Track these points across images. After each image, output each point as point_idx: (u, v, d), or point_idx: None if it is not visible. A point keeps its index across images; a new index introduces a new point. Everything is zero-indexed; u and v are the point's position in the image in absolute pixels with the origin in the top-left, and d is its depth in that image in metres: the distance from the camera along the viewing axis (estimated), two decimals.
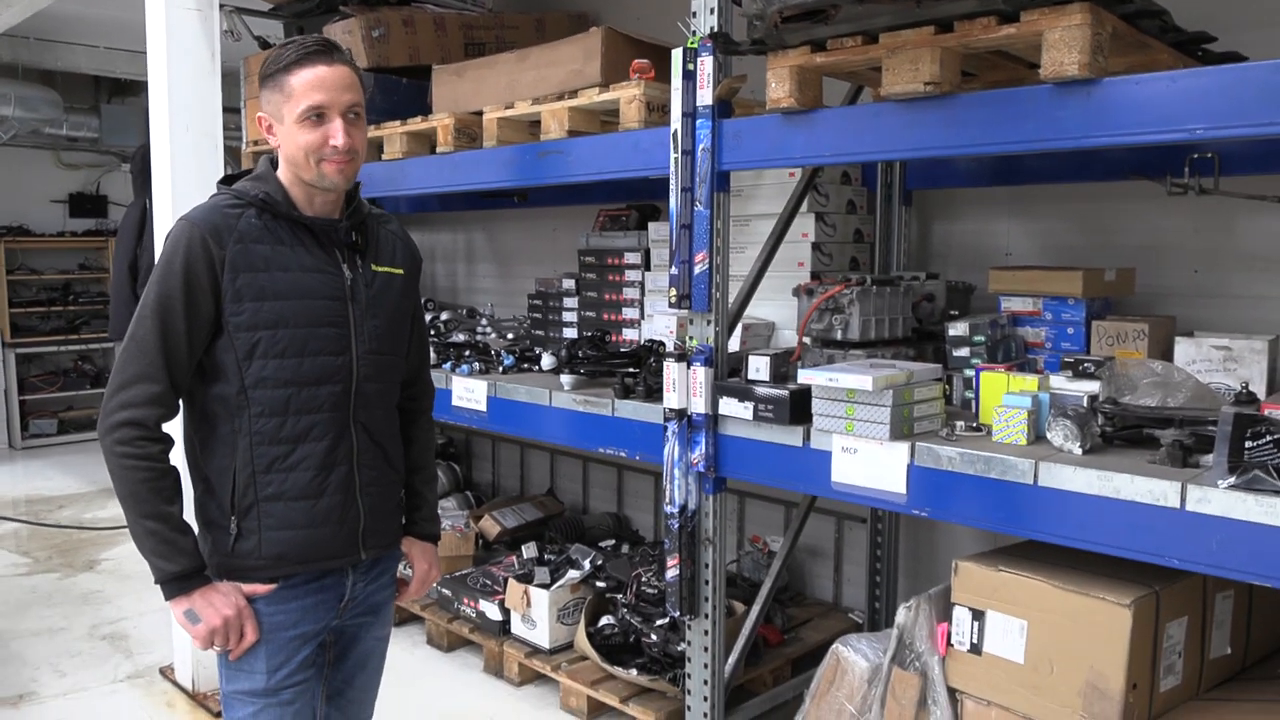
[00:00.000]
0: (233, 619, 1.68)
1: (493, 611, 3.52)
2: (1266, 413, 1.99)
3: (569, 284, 4.09)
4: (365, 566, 1.84)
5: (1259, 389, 2.35)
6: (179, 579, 1.65)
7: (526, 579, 3.43)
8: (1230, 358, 2.47)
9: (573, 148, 2.98)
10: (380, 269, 1.81)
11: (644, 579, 3.17)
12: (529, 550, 3.77)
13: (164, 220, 3.10)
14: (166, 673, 3.69)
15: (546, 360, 3.17)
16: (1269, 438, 1.83)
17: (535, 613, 3.33)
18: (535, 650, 3.35)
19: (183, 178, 3.06)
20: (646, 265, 3.74)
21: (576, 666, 3.23)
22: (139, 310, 1.66)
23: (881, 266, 3.40)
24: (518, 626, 3.41)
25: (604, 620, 3.23)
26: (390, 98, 3.71)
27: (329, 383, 1.71)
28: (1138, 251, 2.97)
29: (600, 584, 3.35)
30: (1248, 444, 1.86)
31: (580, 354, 3.16)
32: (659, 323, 3.46)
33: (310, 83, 1.66)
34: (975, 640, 2.24)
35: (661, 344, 3.23)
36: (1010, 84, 2.23)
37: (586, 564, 3.46)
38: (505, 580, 3.53)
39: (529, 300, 4.24)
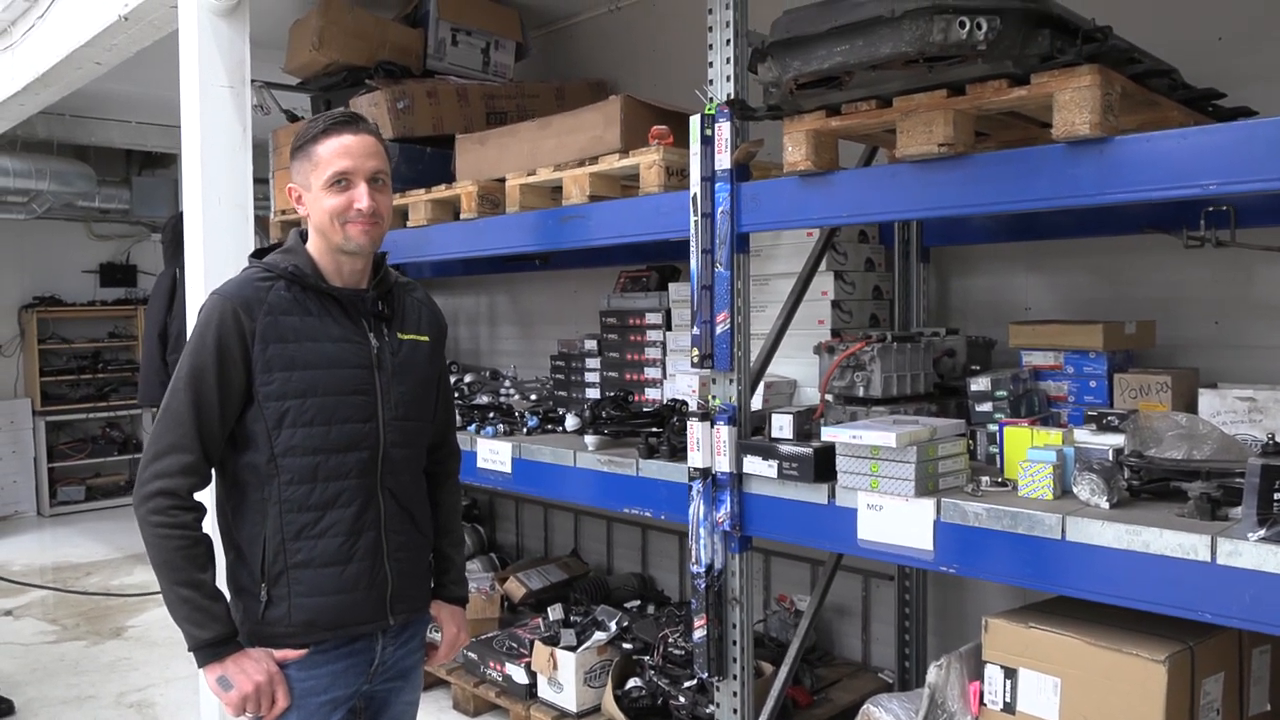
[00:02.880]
0: (265, 685, 1.69)
1: (519, 675, 3.50)
2: None
3: (591, 345, 4.14)
4: (394, 631, 1.86)
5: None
6: (212, 645, 1.67)
7: (552, 641, 3.42)
8: (1255, 408, 2.46)
9: (594, 212, 3.04)
10: (406, 336, 1.86)
11: (671, 640, 3.16)
12: (554, 612, 3.75)
13: (196, 290, 3.18)
14: None
15: (570, 421, 3.20)
16: None
17: (562, 675, 3.31)
18: (562, 714, 3.33)
19: (214, 249, 3.14)
20: (668, 325, 3.78)
21: None
22: (173, 382, 1.71)
23: (901, 323, 3.42)
24: (544, 690, 3.39)
25: (631, 682, 3.21)
26: (415, 167, 3.81)
27: (356, 449, 1.75)
28: (1157, 304, 2.98)
29: (627, 645, 3.33)
30: (1277, 495, 1.86)
31: (604, 414, 3.18)
32: (681, 382, 3.49)
33: (336, 150, 1.74)
34: (1008, 699, 2.21)
35: (684, 404, 3.25)
36: (1023, 143, 2.27)
37: (613, 625, 3.44)
38: (531, 643, 3.51)
39: (551, 361, 4.29)
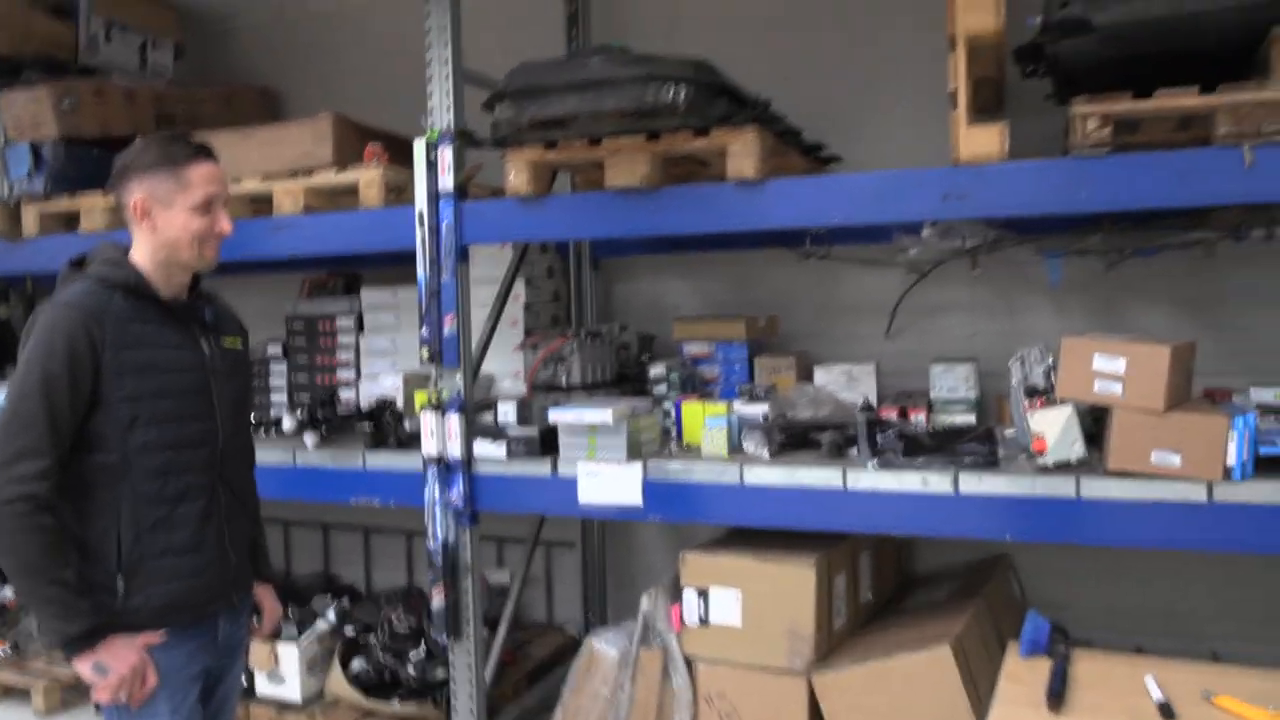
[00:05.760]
0: (138, 666, 1.79)
1: None
2: (884, 416, 2.84)
3: (274, 350, 4.19)
4: (233, 611, 2.02)
5: (873, 399, 3.22)
6: (84, 637, 1.75)
7: (271, 636, 3.50)
8: (851, 379, 3.32)
9: (309, 223, 3.21)
10: (227, 340, 2.03)
11: (394, 619, 3.42)
12: None
13: None
14: None
15: (288, 422, 3.32)
16: (889, 432, 2.61)
17: (284, 669, 3.41)
18: (285, 706, 3.44)
19: None
20: (359, 329, 3.99)
21: (333, 713, 3.38)
22: (19, 387, 1.74)
23: (576, 321, 3.97)
24: (264, 686, 3.47)
25: (357, 664, 3.41)
26: (83, 169, 3.64)
27: (200, 446, 1.90)
28: (775, 303, 3.79)
29: (349, 631, 3.52)
30: (878, 438, 2.64)
31: (319, 414, 3.36)
32: (385, 382, 3.73)
33: (206, 175, 1.90)
34: (703, 615, 2.82)
35: (393, 401, 3.51)
36: (685, 179, 2.88)
37: (330, 614, 3.61)
38: None
39: None
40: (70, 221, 3.65)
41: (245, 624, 2.13)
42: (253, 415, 2.27)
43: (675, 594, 2.90)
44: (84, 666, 1.77)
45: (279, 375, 4.18)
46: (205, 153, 1.94)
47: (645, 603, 2.91)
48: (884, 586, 3.28)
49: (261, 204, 3.35)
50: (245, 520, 2.05)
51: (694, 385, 3.48)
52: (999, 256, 3.22)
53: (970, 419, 3.00)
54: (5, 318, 4.72)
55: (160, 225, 1.90)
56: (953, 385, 3.07)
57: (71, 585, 1.75)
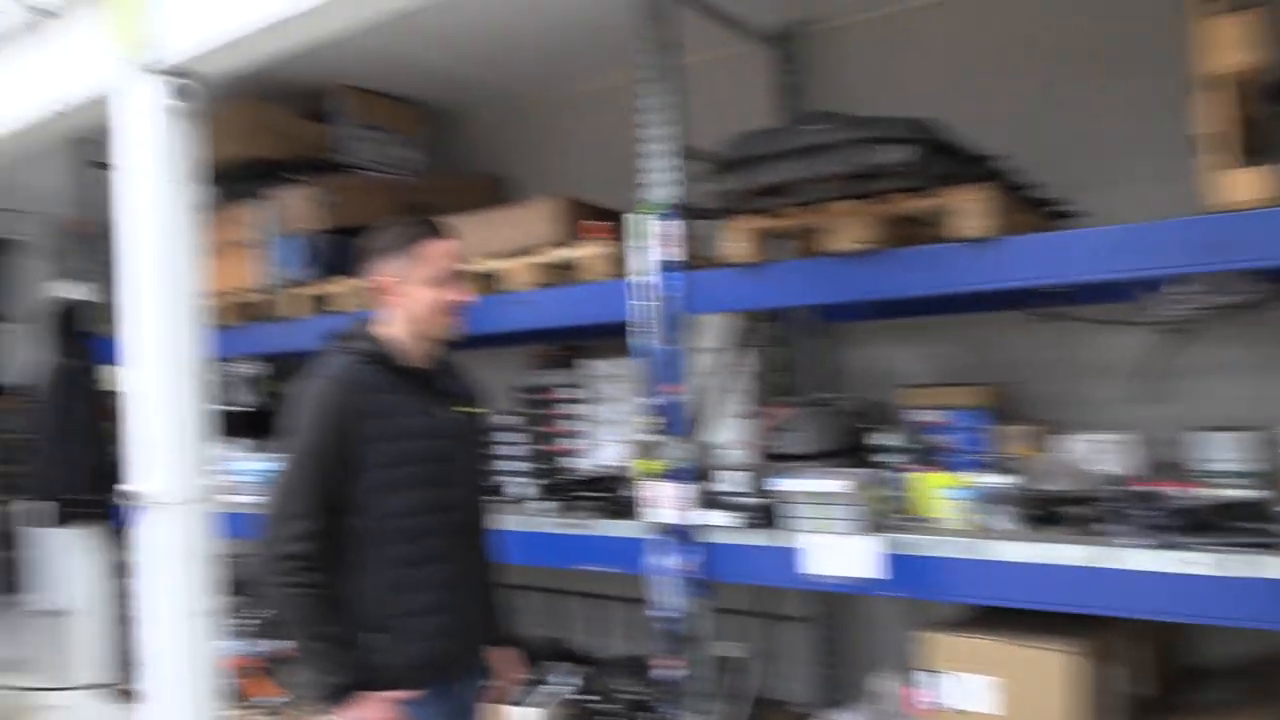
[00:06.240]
0: None
1: None
2: (1136, 489, 2.59)
3: (503, 419, 4.38)
4: (472, 672, 2.10)
5: (1128, 470, 2.95)
6: (346, 690, 1.87)
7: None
8: (1100, 448, 3.07)
9: (540, 298, 3.38)
10: (465, 409, 2.15)
11: (625, 689, 3.44)
12: None
13: (149, 377, 3.22)
14: None
15: (516, 489, 3.46)
16: (1156, 506, 2.38)
17: None
18: None
19: (169, 335, 3.23)
20: (584, 399, 4.10)
21: None
22: (289, 455, 1.92)
23: (800, 389, 3.91)
24: None
25: None
26: (343, 255, 4.00)
27: (445, 511, 2.02)
28: (1006, 368, 3.58)
29: (584, 697, 3.58)
30: (1135, 513, 2.41)
31: (546, 482, 3.48)
32: (610, 450, 3.82)
33: (440, 251, 2.05)
34: (943, 700, 2.65)
35: (619, 469, 3.57)
36: (906, 241, 2.79)
37: (572, 680, 3.69)
38: None
39: None
40: (323, 303, 4.02)
41: (477, 686, 2.19)
42: (490, 483, 2.34)
43: (909, 675, 2.74)
44: (344, 718, 1.88)
45: (508, 444, 4.36)
46: (438, 231, 2.09)
47: (877, 683, 2.76)
48: (1157, 679, 2.96)
49: (493, 281, 3.55)
50: (485, 584, 2.13)
51: (924, 454, 3.32)
52: (1270, 313, 2.91)
53: (1249, 493, 2.69)
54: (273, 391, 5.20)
55: (403, 300, 2.06)
56: (1225, 455, 2.77)
57: (334, 640, 1.87)
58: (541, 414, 4.23)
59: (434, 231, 2.08)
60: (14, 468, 5.10)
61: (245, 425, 4.46)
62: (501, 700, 2.31)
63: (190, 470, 3.23)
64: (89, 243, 4.91)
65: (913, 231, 2.92)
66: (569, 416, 4.16)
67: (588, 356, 4.18)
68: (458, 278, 2.09)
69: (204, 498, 3.25)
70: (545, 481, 3.49)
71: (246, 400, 4.88)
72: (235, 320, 4.23)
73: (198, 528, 3.19)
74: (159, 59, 3.17)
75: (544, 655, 4.46)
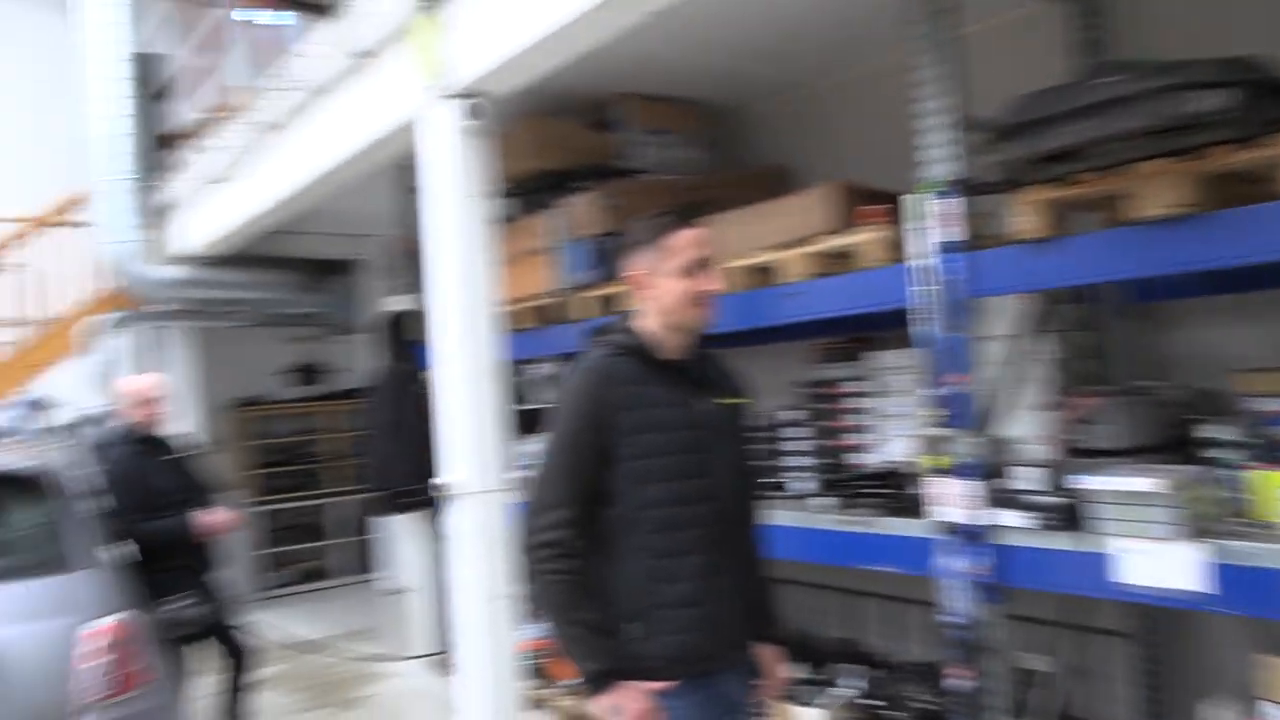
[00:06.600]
0: (650, 712, 1.93)
1: None
2: None
3: (785, 415, 4.32)
4: (735, 668, 2.08)
5: None
6: (603, 676, 1.93)
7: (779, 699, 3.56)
8: None
9: (815, 289, 3.28)
10: (726, 399, 2.13)
11: (917, 696, 3.27)
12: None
13: (453, 379, 3.52)
14: None
15: (799, 485, 3.39)
16: None
17: None
18: None
19: (468, 339, 3.51)
20: (869, 392, 3.94)
21: None
22: (550, 444, 2.00)
23: (1109, 377, 3.51)
24: None
25: None
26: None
27: (701, 502, 2.01)
28: None
29: (870, 701, 3.45)
30: None
31: (829, 478, 3.37)
32: (896, 445, 3.64)
33: (687, 241, 2.05)
34: None
35: (904, 465, 3.40)
36: (1231, 202, 2.38)
37: (858, 683, 3.57)
38: None
39: None
40: (610, 303, 4.16)
41: (746, 683, 2.15)
42: (757, 476, 2.30)
43: (1250, 704, 2.36)
44: (601, 705, 1.92)
45: (790, 439, 4.29)
46: (685, 221, 2.07)
47: (1210, 712, 2.41)
48: None
49: (768, 274, 3.51)
50: (748, 579, 2.09)
51: (1267, 450, 2.85)
52: None
53: None
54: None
55: (656, 292, 2.06)
56: None
57: (591, 626, 1.92)
58: (825, 408, 4.12)
59: (679, 222, 2.08)
60: (360, 461, 5.78)
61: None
62: (774, 699, 2.26)
63: (491, 464, 3.50)
64: (412, 258, 5.46)
65: (1239, 190, 2.52)
66: (854, 410, 4.02)
67: (874, 348, 4.01)
68: (706, 267, 2.07)
69: (504, 489, 3.49)
70: (828, 477, 3.38)
71: (545, 399, 5.19)
72: (531, 324, 4.50)
73: (498, 517, 3.44)
74: (453, 82, 3.45)
75: (835, 656, 4.36)
